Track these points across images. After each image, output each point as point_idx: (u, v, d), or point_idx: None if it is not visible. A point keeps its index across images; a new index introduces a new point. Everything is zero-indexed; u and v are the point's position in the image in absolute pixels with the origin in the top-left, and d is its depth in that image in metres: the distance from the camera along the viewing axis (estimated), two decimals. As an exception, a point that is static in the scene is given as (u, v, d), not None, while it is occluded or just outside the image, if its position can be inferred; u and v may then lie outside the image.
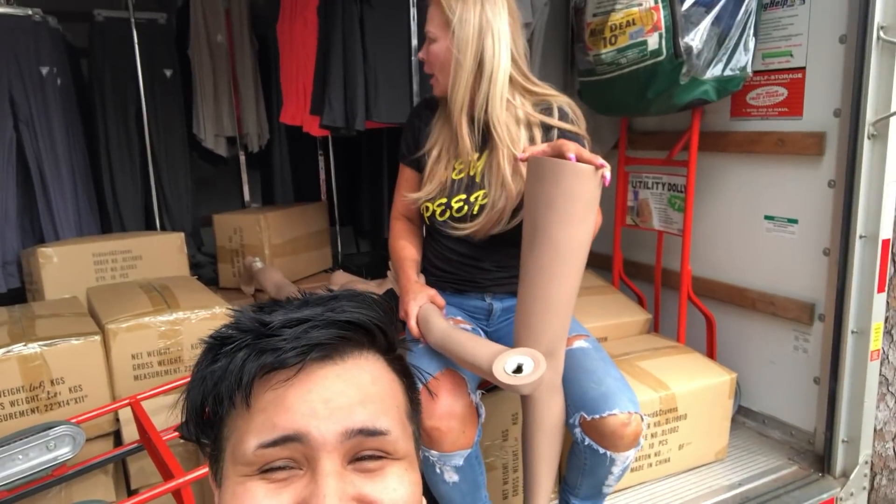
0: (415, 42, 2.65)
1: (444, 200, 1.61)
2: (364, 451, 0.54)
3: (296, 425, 0.53)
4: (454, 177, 1.61)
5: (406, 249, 1.68)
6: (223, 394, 0.56)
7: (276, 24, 3.01)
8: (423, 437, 1.39)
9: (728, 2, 1.99)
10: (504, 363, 1.25)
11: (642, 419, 1.41)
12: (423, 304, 1.50)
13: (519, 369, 1.25)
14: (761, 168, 2.20)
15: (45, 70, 2.97)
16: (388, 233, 1.81)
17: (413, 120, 1.72)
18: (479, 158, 1.60)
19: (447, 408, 1.38)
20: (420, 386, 1.37)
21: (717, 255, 2.37)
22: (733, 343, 2.34)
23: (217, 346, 0.58)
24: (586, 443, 1.42)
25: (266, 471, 0.53)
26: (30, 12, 2.92)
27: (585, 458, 1.44)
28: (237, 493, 0.53)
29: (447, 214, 1.62)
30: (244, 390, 0.54)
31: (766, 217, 2.19)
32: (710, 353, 2.33)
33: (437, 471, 1.40)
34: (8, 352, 1.66)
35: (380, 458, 0.55)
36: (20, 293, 2.85)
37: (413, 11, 2.64)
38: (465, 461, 1.40)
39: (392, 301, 2.17)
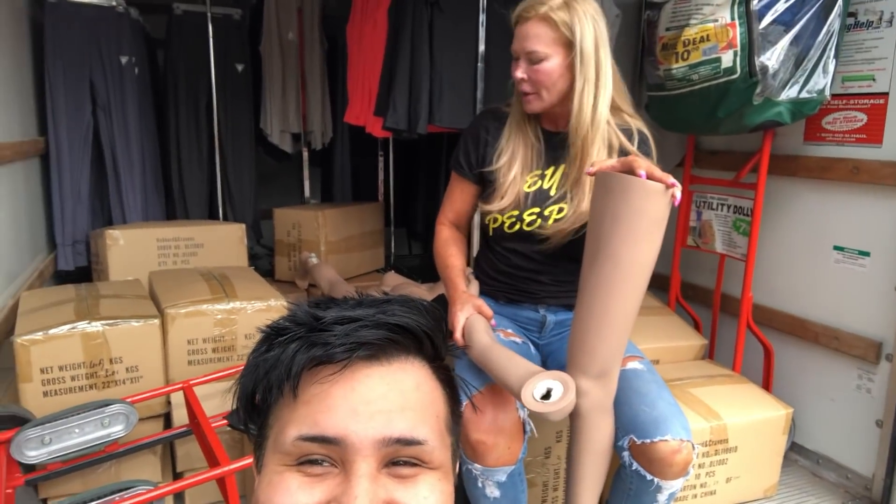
0: (482, 48, 2.65)
1: (515, 213, 1.59)
2: (400, 457, 0.55)
3: (335, 428, 0.54)
4: (526, 189, 1.59)
5: (454, 258, 1.67)
6: (273, 382, 0.57)
7: (347, 24, 3.05)
8: (467, 450, 1.38)
9: (809, 21, 1.92)
10: (533, 388, 1.22)
11: (694, 448, 1.37)
12: (469, 315, 1.49)
13: (548, 394, 1.22)
14: (833, 196, 2.11)
15: (124, 59, 3.09)
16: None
17: (478, 132, 1.67)
18: (554, 172, 1.59)
19: (494, 422, 1.36)
20: (464, 399, 1.36)
21: (780, 283, 2.29)
22: (791, 376, 2.26)
23: (272, 335, 0.59)
24: (634, 467, 1.38)
25: (303, 463, 0.55)
26: (114, 3, 3.04)
27: (631, 482, 1.40)
28: (273, 482, 0.55)
29: (517, 227, 1.60)
30: (293, 380, 0.56)
31: (836, 248, 2.10)
32: (766, 385, 2.25)
33: (479, 485, 1.39)
34: (73, 328, 1.73)
35: (415, 465, 0.56)
36: (86, 271, 2.96)
37: (482, 18, 2.64)
38: (507, 477, 1.39)
39: (443, 306, 2.17)
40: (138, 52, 3.20)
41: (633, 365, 1.50)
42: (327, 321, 0.57)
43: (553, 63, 1.50)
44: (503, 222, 1.61)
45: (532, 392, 1.21)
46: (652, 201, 1.21)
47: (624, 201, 1.22)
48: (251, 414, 0.61)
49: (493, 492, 1.39)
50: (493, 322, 1.53)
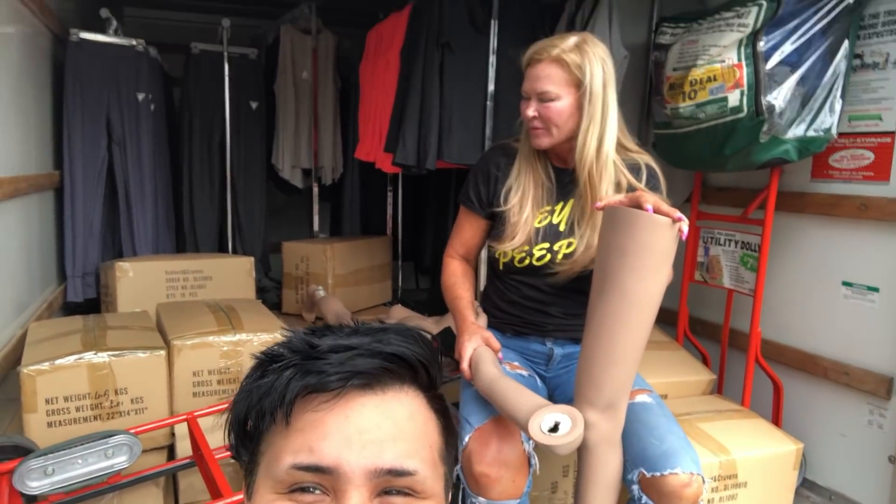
0: (491, 87, 2.70)
1: (525, 248, 1.60)
2: (392, 487, 0.55)
3: (329, 457, 0.54)
4: (536, 224, 1.60)
5: (463, 290, 1.68)
6: (266, 409, 0.57)
7: (360, 64, 3.12)
8: (471, 482, 1.36)
9: (815, 63, 1.94)
10: (541, 420, 1.21)
11: (704, 482, 1.35)
12: (477, 347, 1.49)
13: (556, 428, 1.21)
14: (841, 232, 2.11)
15: (140, 96, 3.16)
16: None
17: (488, 168, 1.69)
18: (563, 207, 1.61)
19: (498, 455, 1.35)
20: (468, 431, 1.34)
21: (788, 318, 2.27)
22: (801, 411, 2.22)
23: (267, 362, 0.59)
24: (644, 501, 1.36)
25: (294, 490, 0.54)
26: (134, 42, 3.13)
27: None
28: None
29: (527, 262, 1.61)
30: (286, 408, 0.56)
31: (844, 283, 2.09)
32: (776, 421, 2.21)
33: None
34: (79, 359, 1.74)
35: (407, 495, 0.56)
36: (95, 303, 2.98)
37: (492, 59, 2.69)
38: None
39: (449, 339, 2.16)
40: (155, 89, 3.27)
41: (643, 398, 1.49)
42: (322, 349, 0.58)
43: (564, 103, 1.52)
44: (513, 257, 1.62)
45: (539, 424, 1.20)
46: (658, 235, 1.21)
47: (631, 235, 1.23)
48: (243, 440, 0.61)
49: None
50: (500, 355, 1.53)
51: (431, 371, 0.61)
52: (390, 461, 0.54)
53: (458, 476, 1.41)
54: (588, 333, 1.34)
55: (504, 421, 1.40)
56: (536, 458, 1.40)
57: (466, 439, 1.39)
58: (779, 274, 2.28)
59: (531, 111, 1.55)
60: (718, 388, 2.38)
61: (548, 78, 1.52)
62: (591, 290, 1.35)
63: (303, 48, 3.75)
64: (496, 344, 1.52)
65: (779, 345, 2.28)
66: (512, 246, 1.60)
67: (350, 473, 0.53)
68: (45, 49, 2.91)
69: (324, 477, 0.54)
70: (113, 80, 3.06)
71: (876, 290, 2.00)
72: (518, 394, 1.31)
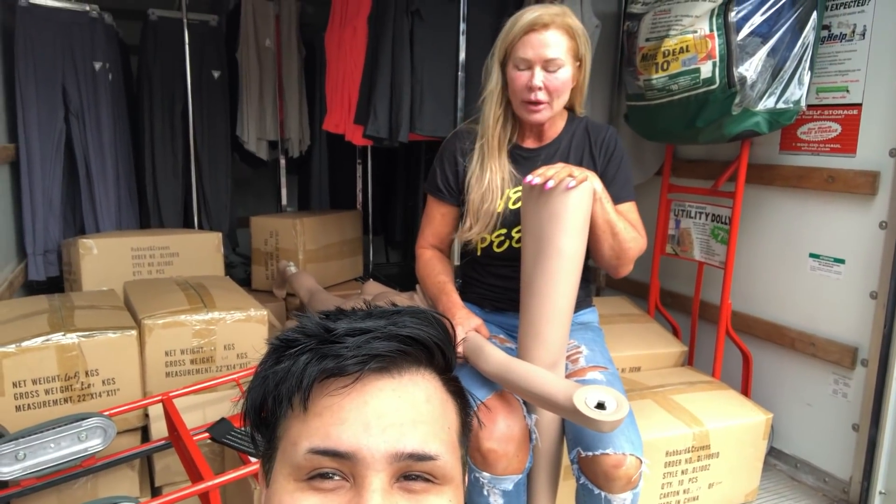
0: (462, 56, 2.66)
1: (503, 231, 1.59)
2: (412, 472, 0.55)
3: (348, 442, 0.53)
4: (512, 206, 1.58)
5: (446, 274, 1.66)
6: (283, 394, 0.57)
7: (325, 31, 3.04)
8: (477, 458, 1.37)
9: (785, 33, 1.95)
10: (586, 396, 1.23)
11: (642, 462, 1.36)
12: (469, 332, 1.49)
13: (599, 406, 1.23)
14: (809, 204, 2.15)
15: (98, 65, 3.03)
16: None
17: (453, 155, 1.65)
18: None
19: (506, 430, 1.36)
20: (474, 408, 1.35)
21: (757, 290, 2.32)
22: (769, 382, 2.28)
23: (282, 347, 0.59)
24: (582, 481, 1.39)
25: (314, 477, 0.54)
26: (87, 8, 2.99)
27: (584, 497, 1.40)
28: (284, 503, 0.54)
29: (506, 245, 1.60)
30: (303, 393, 0.55)
31: (812, 255, 2.14)
32: (745, 391, 2.27)
33: (485, 492, 1.38)
34: (47, 340, 1.68)
35: (427, 480, 0.56)
36: (58, 282, 2.90)
37: (463, 26, 2.64)
38: (514, 486, 1.38)
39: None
40: (112, 58, 3.15)
41: (593, 375, 1.49)
42: (338, 333, 0.57)
43: (568, 73, 1.52)
44: (492, 241, 1.62)
45: (585, 400, 1.22)
46: (586, 199, 1.38)
47: (562, 201, 1.35)
48: (259, 427, 0.61)
49: (497, 500, 1.38)
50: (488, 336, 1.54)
51: (447, 353, 0.61)
52: (412, 445, 0.54)
53: None
54: (531, 296, 1.41)
55: (505, 397, 1.41)
56: (537, 432, 1.41)
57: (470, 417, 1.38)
58: (748, 246, 2.32)
59: (537, 80, 1.48)
60: (689, 360, 2.43)
61: (558, 46, 1.49)
62: (526, 256, 1.42)
63: (265, 14, 3.65)
64: (486, 332, 1.53)
65: (747, 316, 2.33)
66: (490, 229, 1.59)
67: (370, 458, 0.53)
68: (-7, 15, 2.77)
69: (343, 462, 0.54)
70: (67, 48, 2.93)
71: (842, 261, 2.05)
72: (544, 374, 1.33)
